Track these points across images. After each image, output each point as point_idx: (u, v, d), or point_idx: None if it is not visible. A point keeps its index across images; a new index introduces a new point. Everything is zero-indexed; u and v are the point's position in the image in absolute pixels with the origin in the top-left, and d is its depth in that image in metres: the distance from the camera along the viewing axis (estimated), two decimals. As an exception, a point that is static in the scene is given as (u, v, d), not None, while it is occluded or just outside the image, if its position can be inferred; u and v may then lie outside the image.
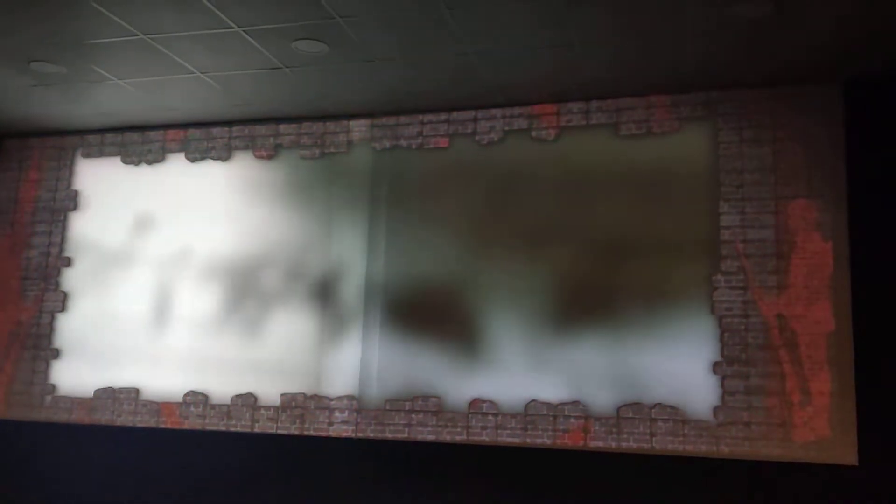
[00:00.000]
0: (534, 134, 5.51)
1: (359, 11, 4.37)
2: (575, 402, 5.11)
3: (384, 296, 5.57)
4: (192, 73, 5.21)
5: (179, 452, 5.76)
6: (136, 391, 5.90)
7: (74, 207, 6.33)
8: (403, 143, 5.76)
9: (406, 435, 5.37)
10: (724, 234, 5.06)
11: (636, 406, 5.02)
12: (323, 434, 5.51)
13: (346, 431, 5.48)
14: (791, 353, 4.84)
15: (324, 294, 5.69)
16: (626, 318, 5.11)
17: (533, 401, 5.18)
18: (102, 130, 6.36)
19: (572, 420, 5.10)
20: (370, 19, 4.45)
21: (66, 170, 6.41)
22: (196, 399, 5.78)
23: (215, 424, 5.72)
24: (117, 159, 6.31)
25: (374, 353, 5.51)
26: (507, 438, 5.20)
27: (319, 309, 5.68)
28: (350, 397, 5.50)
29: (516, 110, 5.55)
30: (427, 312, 5.49)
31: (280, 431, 5.60)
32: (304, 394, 5.60)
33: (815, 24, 4.35)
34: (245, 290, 5.84)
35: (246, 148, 6.06)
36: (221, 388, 5.73)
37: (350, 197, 5.77)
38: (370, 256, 5.65)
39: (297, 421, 5.58)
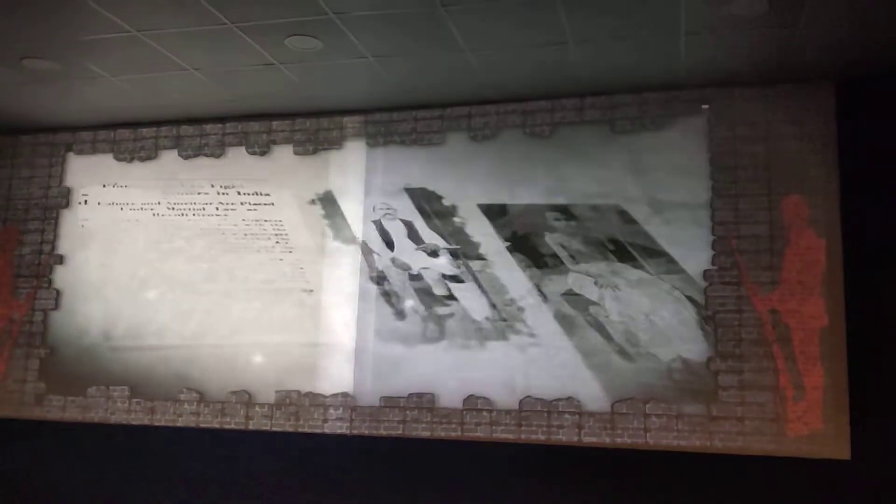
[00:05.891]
0: (528, 130, 5.51)
1: (352, 7, 4.36)
2: (569, 399, 5.12)
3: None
4: (185, 69, 5.19)
5: (173, 450, 5.74)
6: (130, 389, 5.88)
7: (66, 205, 6.30)
8: (397, 138, 5.74)
9: (400, 432, 5.37)
10: (717, 229, 5.08)
11: (630, 402, 5.03)
12: (318, 431, 5.51)
13: (340, 429, 5.47)
14: (784, 348, 4.86)
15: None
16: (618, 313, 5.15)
17: (528, 397, 5.19)
18: (95, 127, 6.32)
19: (566, 416, 5.11)
20: (364, 15, 4.44)
21: (58, 167, 6.38)
22: (190, 397, 5.76)
23: (209, 422, 5.71)
24: (110, 156, 6.28)
25: (369, 351, 5.52)
26: (501, 435, 5.21)
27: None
28: (344, 394, 5.50)
29: (510, 106, 5.55)
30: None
31: (275, 429, 5.59)
32: (298, 391, 5.59)
33: (809, 21, 4.36)
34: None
35: (239, 144, 6.04)
36: (216, 384, 5.73)
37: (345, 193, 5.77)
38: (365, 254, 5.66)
39: (292, 418, 5.57)
